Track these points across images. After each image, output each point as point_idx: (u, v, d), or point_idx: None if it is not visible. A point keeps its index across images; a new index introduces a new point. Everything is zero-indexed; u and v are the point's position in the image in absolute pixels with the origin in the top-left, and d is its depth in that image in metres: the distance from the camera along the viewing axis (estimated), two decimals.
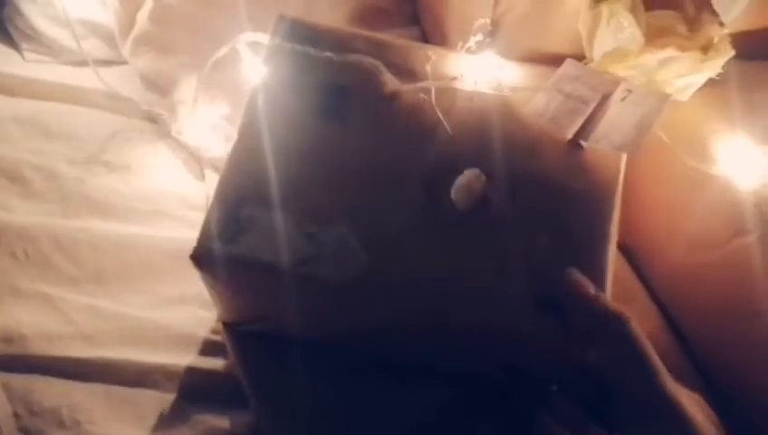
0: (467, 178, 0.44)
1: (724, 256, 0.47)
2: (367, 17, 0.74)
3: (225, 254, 0.42)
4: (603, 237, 0.43)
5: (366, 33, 0.50)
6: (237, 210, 0.43)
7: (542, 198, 0.44)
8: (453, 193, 0.44)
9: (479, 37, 0.48)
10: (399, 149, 0.46)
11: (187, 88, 0.68)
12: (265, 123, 0.45)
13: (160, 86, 0.71)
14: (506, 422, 0.48)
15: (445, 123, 0.46)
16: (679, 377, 0.39)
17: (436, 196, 0.44)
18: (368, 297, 0.42)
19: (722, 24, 0.45)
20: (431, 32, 0.74)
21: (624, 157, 0.46)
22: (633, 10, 0.45)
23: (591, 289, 0.40)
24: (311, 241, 0.42)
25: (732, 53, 0.44)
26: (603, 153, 0.46)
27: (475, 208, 0.43)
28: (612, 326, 0.38)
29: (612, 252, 0.43)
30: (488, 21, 0.48)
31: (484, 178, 0.44)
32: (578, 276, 0.41)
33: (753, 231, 0.45)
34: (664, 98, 0.44)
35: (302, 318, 0.46)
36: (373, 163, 0.45)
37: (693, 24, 0.45)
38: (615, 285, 0.43)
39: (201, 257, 0.42)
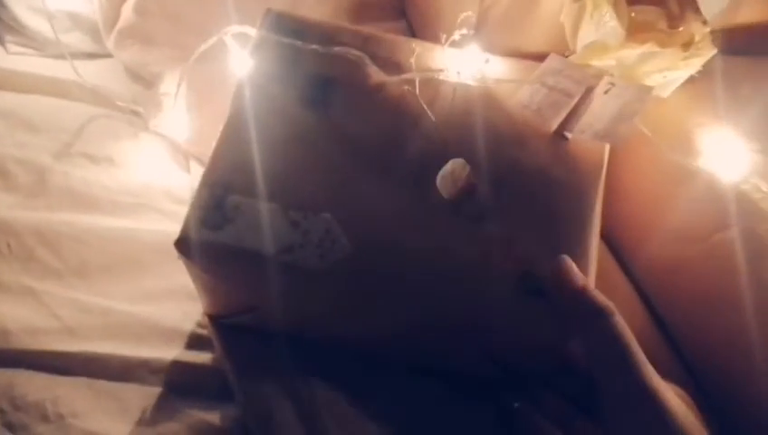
0: (452, 166, 0.44)
1: (706, 249, 0.47)
2: (354, 11, 0.74)
3: (209, 241, 0.42)
4: (587, 227, 0.44)
5: (352, 27, 0.50)
6: (222, 199, 0.43)
7: (526, 188, 0.45)
8: (438, 181, 0.44)
9: (464, 31, 0.48)
10: (385, 139, 0.46)
11: (171, 80, 0.68)
12: (251, 114, 0.46)
13: (145, 79, 0.71)
14: (493, 418, 0.48)
15: (429, 113, 0.46)
16: (662, 369, 0.39)
17: (422, 185, 0.44)
18: (353, 286, 0.42)
19: (705, 22, 0.45)
20: (418, 25, 0.74)
21: (607, 147, 0.47)
22: (615, 4, 0.45)
23: (580, 279, 0.40)
24: (295, 229, 0.42)
25: (713, 51, 0.45)
26: (587, 144, 0.46)
27: (460, 198, 0.44)
28: (597, 319, 0.38)
29: (596, 242, 0.44)
30: (473, 14, 0.48)
31: (468, 167, 0.44)
32: (568, 264, 0.41)
33: (734, 225, 0.45)
34: (646, 90, 0.45)
35: (287, 309, 0.46)
36: (359, 153, 0.45)
37: (675, 21, 0.45)
38: (598, 276, 0.43)
39: (185, 245, 0.42)
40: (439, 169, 0.44)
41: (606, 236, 0.56)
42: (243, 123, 0.45)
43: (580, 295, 0.39)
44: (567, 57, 0.48)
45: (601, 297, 0.39)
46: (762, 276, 0.43)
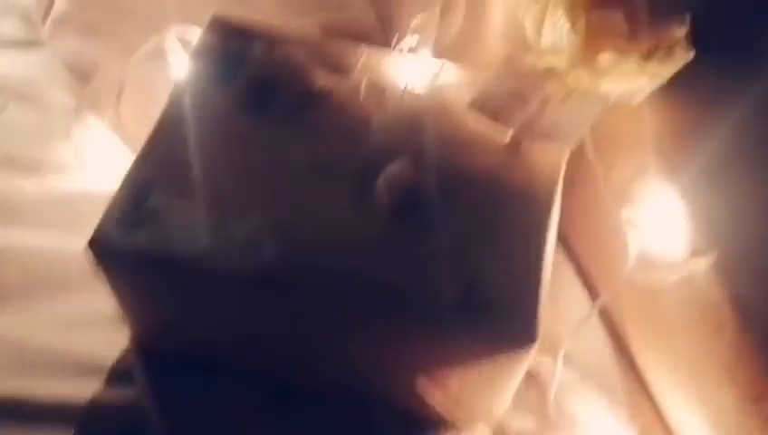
0: (395, 170, 0.40)
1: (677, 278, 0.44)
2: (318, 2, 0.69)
3: (125, 242, 0.38)
4: (540, 235, 0.40)
5: (300, 32, 0.47)
6: (144, 196, 0.39)
7: (477, 196, 0.41)
8: (379, 185, 0.40)
9: (416, 36, 0.45)
10: (326, 145, 0.42)
11: (111, 74, 0.63)
12: (186, 115, 0.43)
13: (83, 71, 0.66)
14: None
15: (373, 120, 0.43)
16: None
17: (363, 192, 0.41)
18: (277, 293, 0.39)
19: (681, 25, 0.41)
20: (382, 18, 0.69)
21: (566, 153, 0.43)
22: (570, 7, 0.41)
23: None
24: (219, 231, 0.39)
25: (687, 57, 0.41)
26: (543, 150, 0.43)
27: (404, 204, 0.40)
28: None
29: (550, 248, 0.41)
30: (427, 17, 0.44)
31: (413, 171, 0.40)
32: None
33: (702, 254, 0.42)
34: (602, 99, 0.42)
35: (206, 319, 0.43)
36: (296, 160, 0.42)
37: (637, 28, 0.42)
38: (567, 301, 0.40)
39: (99, 246, 0.39)
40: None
41: (572, 254, 0.53)
42: (175, 123, 0.42)
43: None
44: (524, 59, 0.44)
45: None
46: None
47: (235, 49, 0.44)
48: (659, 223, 0.42)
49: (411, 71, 0.44)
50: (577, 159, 0.44)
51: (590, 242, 0.52)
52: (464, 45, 0.51)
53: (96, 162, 0.60)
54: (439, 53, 0.47)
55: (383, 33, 0.68)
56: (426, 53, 0.45)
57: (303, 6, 0.64)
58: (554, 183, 0.42)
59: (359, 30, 0.70)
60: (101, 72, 0.64)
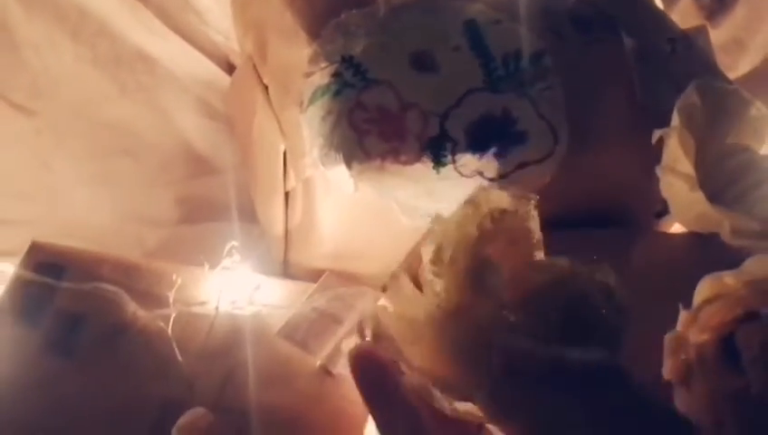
0: (191, 418, 0.40)
1: None
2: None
3: None
4: None
5: (115, 256, 0.48)
6: None
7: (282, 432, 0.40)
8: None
9: (235, 258, 0.46)
10: (128, 386, 0.42)
11: None
12: None
13: None
14: None
15: (178, 355, 0.43)
16: None
17: None
18: None
19: None
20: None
21: None
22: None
23: None
24: None
25: None
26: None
27: None
28: None
29: None
30: (237, 244, 0.46)
31: (210, 416, 0.40)
32: None
33: None
34: None
35: None
36: (97, 404, 0.41)
37: None
38: None
39: None
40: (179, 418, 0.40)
41: None
42: None
43: None
44: None
45: None
46: None
47: (42, 286, 0.45)
48: None
49: (230, 291, 0.46)
50: None
51: None
52: (304, 235, 0.51)
53: None
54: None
55: None
56: (245, 271, 0.46)
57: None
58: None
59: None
60: None
